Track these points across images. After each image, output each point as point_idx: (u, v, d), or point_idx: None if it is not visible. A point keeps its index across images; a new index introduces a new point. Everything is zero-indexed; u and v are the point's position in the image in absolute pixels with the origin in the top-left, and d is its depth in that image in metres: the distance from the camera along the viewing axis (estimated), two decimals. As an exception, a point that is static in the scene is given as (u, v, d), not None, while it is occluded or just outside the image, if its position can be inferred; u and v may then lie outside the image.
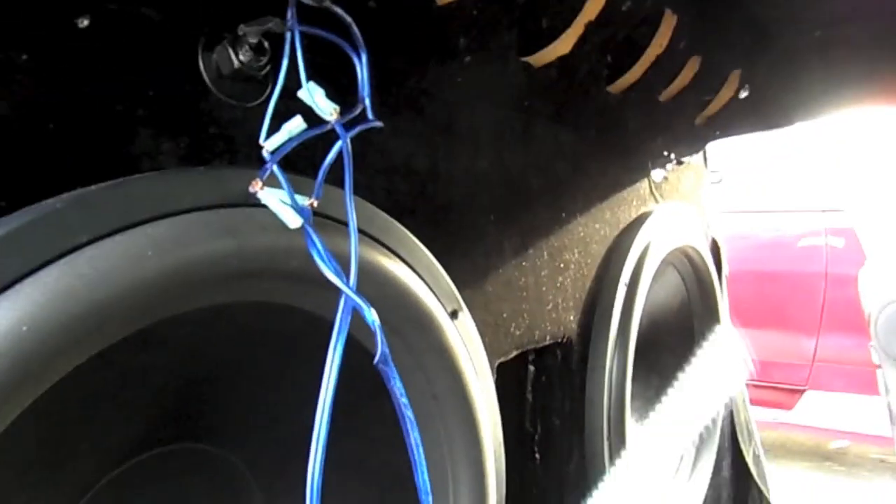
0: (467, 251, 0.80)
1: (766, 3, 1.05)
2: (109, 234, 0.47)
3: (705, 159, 1.54)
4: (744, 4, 1.04)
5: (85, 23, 0.50)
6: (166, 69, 0.54)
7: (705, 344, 1.53)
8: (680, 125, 1.22)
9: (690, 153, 1.37)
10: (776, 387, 3.33)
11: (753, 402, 1.84)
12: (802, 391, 3.36)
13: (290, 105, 0.55)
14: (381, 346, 0.51)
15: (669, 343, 1.47)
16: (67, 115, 0.49)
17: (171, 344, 0.61)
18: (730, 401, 1.65)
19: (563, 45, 0.82)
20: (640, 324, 1.15)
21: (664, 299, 1.38)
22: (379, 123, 0.55)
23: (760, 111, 1.28)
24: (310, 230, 0.52)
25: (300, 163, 0.60)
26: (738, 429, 1.73)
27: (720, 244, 1.57)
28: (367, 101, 0.55)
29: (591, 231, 1.06)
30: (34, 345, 0.43)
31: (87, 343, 0.47)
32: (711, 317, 1.51)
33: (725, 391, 1.58)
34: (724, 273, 1.62)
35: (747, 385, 1.78)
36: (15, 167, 0.47)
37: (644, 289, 1.13)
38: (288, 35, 0.53)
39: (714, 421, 1.54)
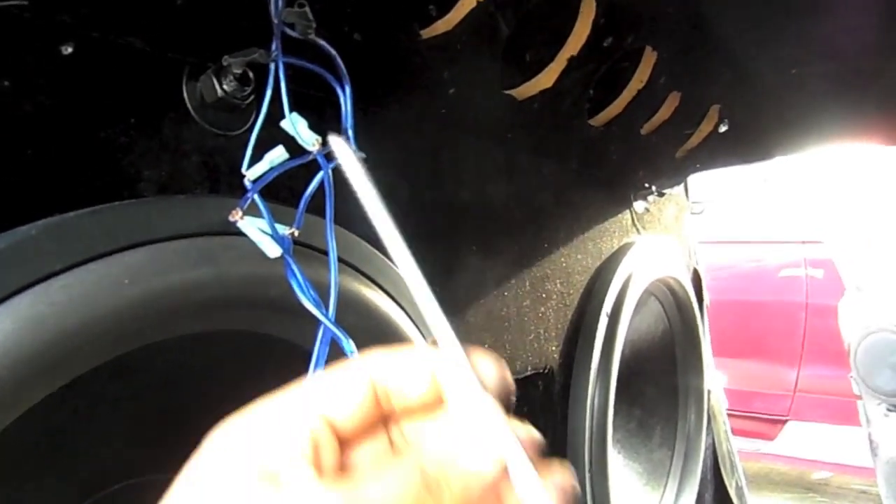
0: (450, 282, 0.80)
1: (743, 41, 1.08)
2: (84, 262, 0.47)
3: (686, 191, 1.56)
4: (722, 42, 1.06)
5: (69, 50, 0.50)
6: (149, 97, 0.54)
7: (687, 374, 1.53)
8: (661, 158, 1.24)
9: (671, 185, 1.39)
10: (758, 417, 3.34)
11: (735, 432, 1.84)
12: (784, 421, 3.37)
13: (274, 134, 0.55)
14: (359, 378, 0.51)
15: (651, 373, 1.47)
16: (48, 142, 0.49)
17: (146, 372, 0.60)
18: (712, 432, 1.66)
19: (547, 78, 0.83)
20: (623, 354, 1.15)
21: (646, 329, 1.39)
22: (362, 155, 0.55)
23: (740, 145, 1.31)
24: (289, 260, 0.51)
25: (282, 192, 0.60)
26: (720, 460, 1.72)
27: (701, 274, 1.59)
28: (350, 132, 0.55)
29: (573, 261, 1.06)
30: (2, 372, 0.42)
31: (58, 372, 0.46)
32: (693, 347, 1.52)
33: (707, 421, 1.58)
34: (706, 303, 1.63)
35: (729, 415, 1.79)
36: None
37: (626, 319, 1.14)
38: (272, 66, 0.53)
39: (696, 452, 1.54)
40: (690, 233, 1.55)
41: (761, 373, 3.35)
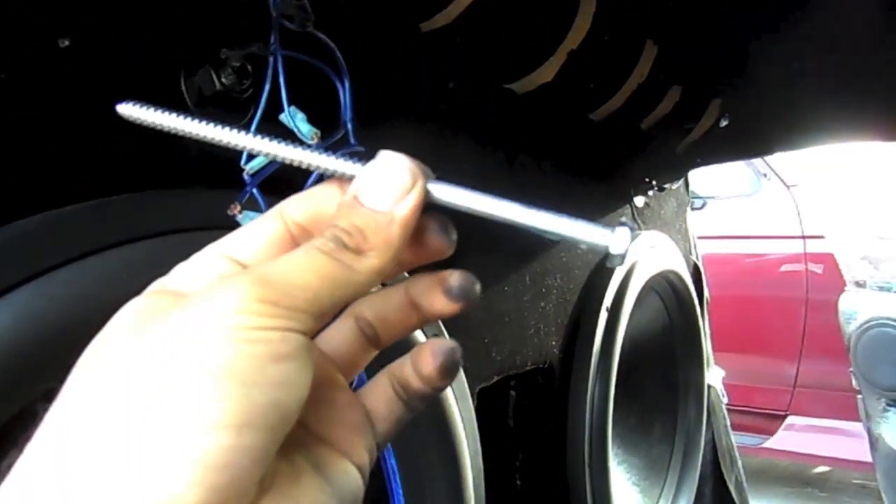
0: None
1: (743, 36, 1.07)
2: (83, 257, 0.47)
3: (687, 185, 1.56)
4: (723, 37, 1.06)
5: (66, 43, 0.50)
6: (147, 90, 0.54)
7: (687, 369, 1.53)
8: (661, 153, 1.24)
9: (672, 180, 1.39)
10: (758, 412, 3.34)
11: (735, 427, 1.84)
12: (784, 416, 3.37)
13: (272, 128, 0.55)
14: (360, 375, 0.51)
15: (651, 368, 1.47)
16: (45, 136, 0.49)
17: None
18: (711, 427, 1.66)
19: (547, 72, 0.83)
20: (623, 349, 1.15)
21: (646, 324, 1.39)
22: (360, 148, 0.55)
23: (740, 140, 1.30)
24: (288, 254, 0.51)
25: (280, 185, 0.60)
26: (720, 455, 1.73)
27: (701, 269, 1.58)
28: (350, 126, 0.55)
29: (573, 256, 1.06)
30: (2, 367, 0.42)
31: (57, 366, 0.46)
32: (693, 342, 1.52)
33: (707, 416, 1.59)
34: (706, 298, 1.63)
35: (728, 410, 1.79)
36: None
37: (626, 314, 1.13)
38: (270, 59, 0.53)
39: (696, 447, 1.54)
40: (691, 228, 1.55)
41: (761, 368, 3.35)
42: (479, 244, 0.86)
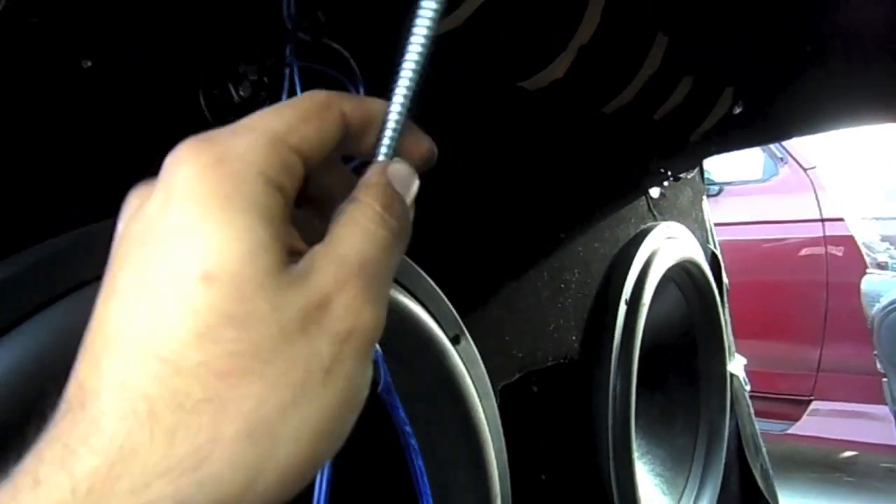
0: (466, 277, 0.80)
1: (754, 22, 1.06)
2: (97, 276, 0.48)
3: (702, 173, 1.55)
4: (733, 24, 1.05)
5: (88, 64, 0.51)
6: (168, 105, 0.55)
7: (708, 359, 1.53)
8: (675, 142, 1.23)
9: (687, 169, 1.38)
10: (781, 398, 3.31)
11: (758, 414, 1.83)
12: (808, 401, 3.34)
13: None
14: (383, 376, 0.52)
15: (673, 359, 1.47)
16: (69, 155, 0.50)
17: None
18: (735, 415, 1.65)
19: (558, 69, 0.83)
20: (643, 341, 1.15)
21: (666, 315, 1.39)
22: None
23: (755, 126, 1.29)
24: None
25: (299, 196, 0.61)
26: (744, 443, 1.72)
27: (720, 258, 1.58)
28: (366, 133, 0.56)
29: (590, 250, 1.06)
30: (38, 383, 0.43)
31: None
32: (714, 331, 1.51)
33: (730, 405, 1.58)
34: (726, 287, 1.62)
35: (752, 397, 1.78)
36: (19, 206, 0.48)
37: (645, 306, 1.13)
38: (286, 71, 0.54)
39: (720, 436, 1.54)
40: (708, 216, 1.54)
41: (783, 353, 3.33)
42: (496, 242, 0.87)
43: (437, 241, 0.77)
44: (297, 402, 0.23)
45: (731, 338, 1.63)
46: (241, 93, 0.55)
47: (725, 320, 1.57)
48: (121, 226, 0.27)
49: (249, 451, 0.22)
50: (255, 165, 0.24)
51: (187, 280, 0.22)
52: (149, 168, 0.51)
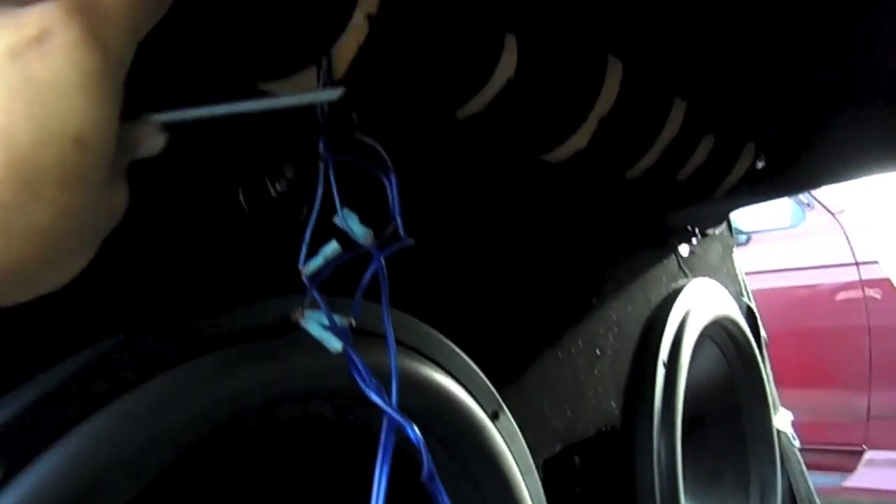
0: (501, 350, 0.80)
1: (771, 79, 1.08)
2: (156, 373, 0.49)
3: (730, 227, 1.54)
4: (750, 83, 1.07)
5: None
6: (207, 203, 0.58)
7: (753, 415, 1.48)
8: (700, 199, 1.23)
9: (714, 225, 1.38)
10: (833, 449, 3.17)
11: (811, 466, 1.76)
12: (861, 451, 3.19)
13: (326, 225, 0.58)
14: (426, 465, 0.51)
15: (717, 418, 1.43)
16: (116, 255, 0.52)
17: (219, 464, 0.61)
18: (786, 472, 1.59)
19: (580, 139, 0.85)
20: (684, 402, 1.13)
21: (706, 374, 1.36)
22: (411, 242, 0.57)
23: (779, 179, 1.29)
24: (351, 354, 0.53)
25: (336, 280, 0.62)
26: (798, 501, 1.64)
27: (755, 311, 1.55)
28: (399, 221, 0.57)
29: (623, 313, 1.06)
30: (91, 486, 0.44)
31: (142, 474, 0.48)
32: (756, 387, 1.47)
33: (780, 462, 1.52)
34: (764, 340, 1.58)
35: (802, 451, 1.71)
36: (67, 315, 0.50)
37: (684, 367, 1.11)
38: (321, 165, 0.56)
39: (772, 495, 1.47)
40: (739, 269, 1.53)
41: (830, 402, 3.21)
42: (528, 313, 0.87)
43: (470, 316, 0.77)
44: None
45: (775, 391, 1.58)
46: (279, 188, 0.58)
47: (767, 375, 1.53)
48: None
49: None
50: None
51: None
52: (192, 267, 0.53)
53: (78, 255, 0.31)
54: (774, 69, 1.01)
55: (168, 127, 0.35)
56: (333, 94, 0.37)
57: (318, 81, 0.59)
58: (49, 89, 0.28)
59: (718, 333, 1.34)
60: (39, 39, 0.28)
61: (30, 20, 0.28)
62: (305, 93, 0.35)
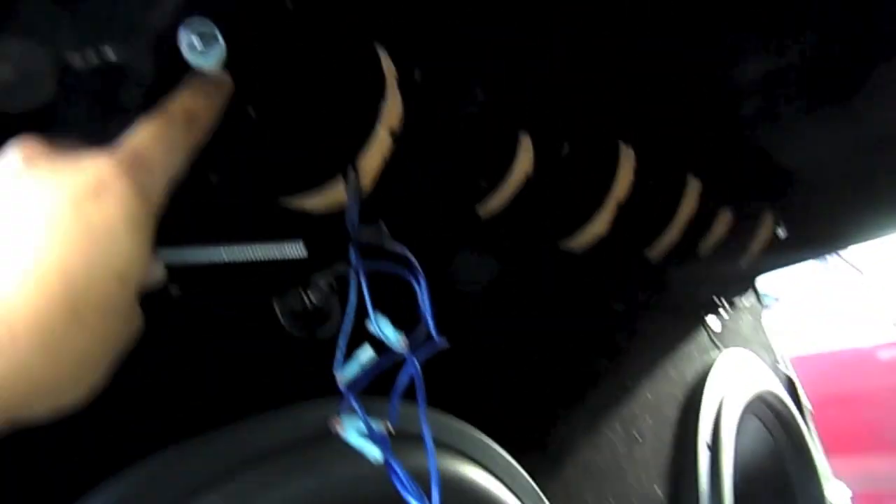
0: (540, 441, 0.79)
1: (785, 149, 1.10)
2: (197, 491, 0.49)
3: (757, 294, 1.53)
4: (764, 154, 1.09)
5: (176, 290, 0.56)
6: (245, 317, 0.59)
7: (805, 491, 1.41)
8: (725, 271, 1.23)
9: (741, 294, 1.37)
10: (895, 520, 2.98)
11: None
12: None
13: (360, 331, 0.59)
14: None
15: (766, 496, 1.36)
16: (162, 376, 0.54)
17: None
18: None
19: (599, 226, 0.87)
20: (732, 482, 1.08)
21: (751, 451, 1.31)
22: (445, 343, 0.58)
23: (803, 244, 1.29)
24: (390, 460, 0.53)
25: (371, 382, 0.63)
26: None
27: (795, 380, 1.51)
28: (431, 324, 0.58)
29: (659, 394, 1.04)
30: None
31: None
32: (805, 460, 1.41)
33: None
34: (807, 409, 1.53)
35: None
36: (112, 430, 0.51)
37: (728, 447, 1.08)
38: (352, 273, 0.58)
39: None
40: (773, 338, 1.50)
41: (885, 468, 3.04)
42: (562, 401, 0.86)
43: (506, 409, 0.77)
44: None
45: (825, 462, 1.51)
46: (313, 298, 0.60)
47: (815, 446, 1.47)
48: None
49: None
50: None
51: None
52: (233, 380, 0.54)
53: (101, 376, 0.34)
54: (784, 142, 1.04)
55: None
56: (300, 249, 0.44)
57: (346, 192, 0.62)
58: (103, 233, 0.31)
59: (759, 407, 1.30)
60: (98, 191, 0.31)
61: (89, 171, 0.32)
62: (273, 245, 0.44)
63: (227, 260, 0.40)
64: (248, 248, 0.42)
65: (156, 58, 0.46)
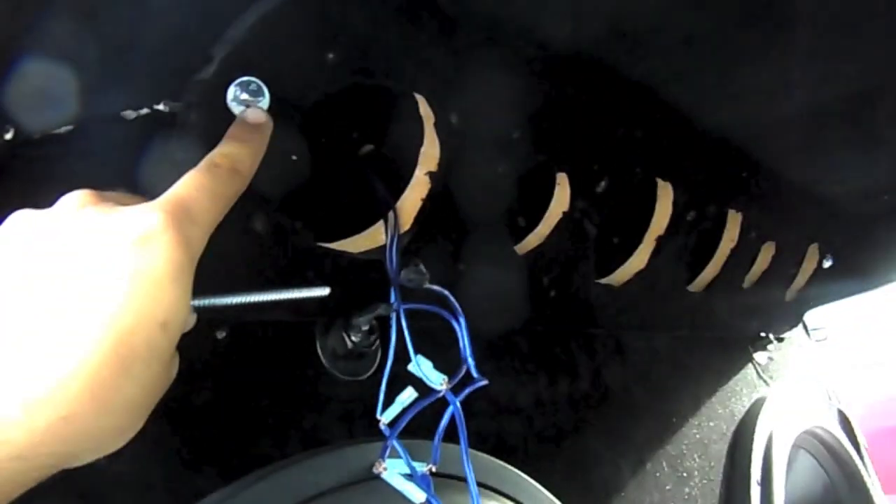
0: (585, 481, 0.78)
1: (826, 181, 1.08)
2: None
3: (805, 328, 1.48)
4: (804, 186, 1.07)
5: (223, 335, 0.57)
6: (290, 360, 0.60)
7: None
8: (771, 305, 1.21)
9: (789, 328, 1.34)
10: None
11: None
12: None
13: (401, 372, 0.59)
14: None
15: (824, 538, 1.30)
16: (203, 420, 0.55)
17: None
18: None
19: (639, 260, 0.86)
20: (786, 523, 1.04)
21: (804, 488, 1.26)
22: (485, 382, 0.58)
23: (851, 276, 1.26)
24: (434, 502, 0.53)
25: (412, 422, 0.63)
26: None
27: (848, 415, 1.45)
28: (471, 362, 0.58)
29: (706, 431, 1.01)
30: None
31: None
32: (861, 497, 1.35)
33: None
34: (862, 444, 1.47)
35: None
36: (158, 474, 0.52)
37: (780, 484, 1.04)
38: (393, 314, 0.58)
39: None
40: (823, 371, 1.45)
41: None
42: (607, 440, 0.85)
43: (550, 448, 0.76)
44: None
45: (883, 500, 1.44)
46: (353, 338, 0.60)
47: (872, 482, 1.40)
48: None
49: None
50: None
51: None
52: (272, 422, 0.54)
53: (141, 422, 0.34)
54: (824, 175, 1.02)
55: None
56: (325, 290, 0.44)
57: (385, 234, 0.63)
58: (149, 282, 0.32)
59: (811, 443, 1.25)
60: (145, 241, 0.32)
61: (137, 221, 0.33)
62: (300, 290, 0.44)
63: (251, 302, 0.41)
64: (274, 292, 0.43)
65: (204, 109, 0.48)
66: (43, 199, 0.36)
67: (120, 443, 0.33)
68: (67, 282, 0.31)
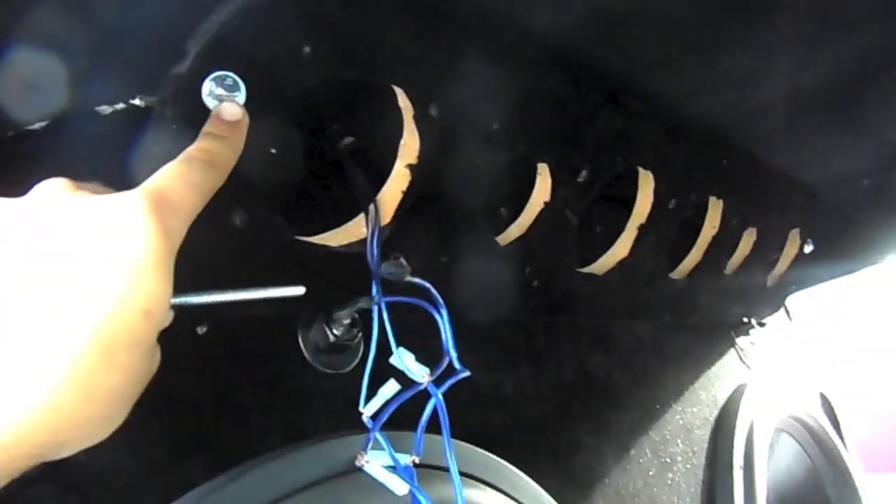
0: (569, 468, 0.78)
1: (806, 167, 1.09)
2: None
3: (787, 313, 1.50)
4: (785, 172, 1.08)
5: (203, 330, 0.57)
6: (272, 354, 0.60)
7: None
8: (752, 290, 1.22)
9: (770, 313, 1.35)
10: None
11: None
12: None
13: (383, 365, 0.60)
14: None
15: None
16: (184, 412, 0.55)
17: None
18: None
19: (621, 249, 0.87)
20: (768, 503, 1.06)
21: (786, 471, 1.28)
22: (467, 373, 0.58)
23: (831, 260, 1.27)
24: (417, 493, 0.53)
25: (395, 414, 0.63)
26: None
27: (829, 398, 1.47)
28: (453, 354, 0.59)
29: (689, 417, 1.02)
30: None
31: None
32: (845, 480, 1.37)
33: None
34: (844, 427, 1.49)
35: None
36: (140, 467, 0.52)
37: (761, 467, 1.06)
38: (375, 307, 0.59)
39: None
40: (805, 356, 1.47)
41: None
42: (591, 427, 0.85)
43: (533, 437, 0.77)
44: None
45: (864, 480, 1.47)
46: (335, 332, 0.60)
47: (853, 464, 1.43)
48: None
49: None
50: None
51: None
52: (253, 416, 0.54)
53: (126, 412, 0.34)
54: (805, 161, 1.03)
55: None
56: (300, 290, 0.44)
57: (366, 227, 0.63)
58: (131, 271, 0.31)
59: (794, 427, 1.27)
60: (125, 229, 0.32)
61: (117, 210, 0.33)
62: (276, 289, 0.43)
63: (228, 301, 0.41)
64: (250, 291, 0.42)
65: (180, 104, 0.48)
66: (17, 195, 0.36)
67: (104, 434, 0.33)
68: (47, 269, 0.30)
